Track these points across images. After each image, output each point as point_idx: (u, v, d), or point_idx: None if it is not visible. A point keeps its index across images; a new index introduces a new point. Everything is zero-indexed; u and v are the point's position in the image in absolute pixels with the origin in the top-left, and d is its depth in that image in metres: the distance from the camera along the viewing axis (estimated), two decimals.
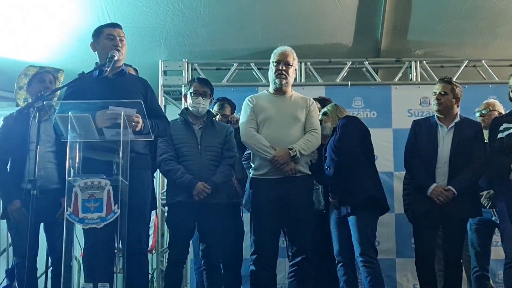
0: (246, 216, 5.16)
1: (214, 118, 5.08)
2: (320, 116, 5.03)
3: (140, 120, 3.85)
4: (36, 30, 6.48)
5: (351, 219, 4.74)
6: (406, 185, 5.46)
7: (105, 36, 4.20)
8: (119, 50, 4.14)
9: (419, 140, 4.93)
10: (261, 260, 4.65)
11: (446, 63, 7.09)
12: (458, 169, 4.78)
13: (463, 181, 4.74)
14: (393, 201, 6.06)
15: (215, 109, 5.65)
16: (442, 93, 4.92)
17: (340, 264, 4.85)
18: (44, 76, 4.78)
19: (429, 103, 6.45)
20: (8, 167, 4.71)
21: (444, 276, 4.93)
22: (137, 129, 3.85)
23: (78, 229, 3.86)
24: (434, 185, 4.75)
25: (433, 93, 4.99)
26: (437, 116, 4.97)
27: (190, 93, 4.92)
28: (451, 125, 4.90)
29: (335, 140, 4.85)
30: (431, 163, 4.83)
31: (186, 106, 5.08)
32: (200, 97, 4.87)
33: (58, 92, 4.53)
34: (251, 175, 4.81)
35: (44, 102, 3.85)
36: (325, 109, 5.08)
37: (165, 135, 4.43)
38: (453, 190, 4.71)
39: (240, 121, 4.87)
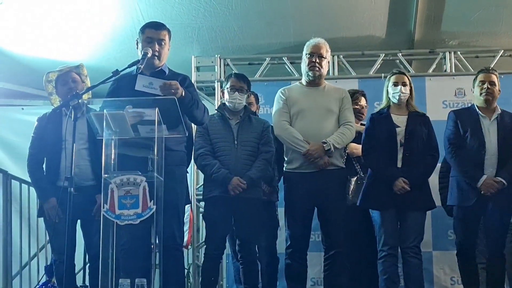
0: (281, 211, 5.15)
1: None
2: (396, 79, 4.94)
3: (178, 85, 3.95)
4: (69, 29, 6.54)
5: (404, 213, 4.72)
6: (442, 179, 5.40)
7: (144, 38, 4.25)
8: (155, 54, 4.19)
9: (463, 131, 4.86)
10: (296, 254, 4.66)
11: (481, 53, 6.97)
12: (506, 161, 4.75)
13: (511, 172, 4.72)
14: None
15: None
16: (492, 82, 4.88)
17: (383, 254, 4.72)
18: (66, 77, 4.80)
19: (464, 94, 6.39)
20: (43, 166, 4.78)
21: (487, 268, 4.88)
22: (177, 95, 3.91)
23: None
24: (484, 176, 4.71)
25: (480, 83, 4.92)
26: (477, 107, 4.92)
27: (227, 88, 4.92)
28: (494, 117, 4.86)
29: (425, 135, 4.81)
30: (480, 155, 4.77)
31: (223, 101, 5.10)
32: (236, 92, 4.86)
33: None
34: (284, 169, 4.81)
35: (79, 100, 3.90)
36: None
37: (203, 118, 4.33)
38: (504, 181, 4.68)
39: (273, 114, 4.87)
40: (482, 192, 4.69)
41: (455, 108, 5.76)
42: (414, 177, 4.68)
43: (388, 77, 4.98)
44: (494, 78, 4.92)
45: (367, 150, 4.87)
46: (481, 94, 4.89)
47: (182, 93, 3.99)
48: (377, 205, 4.77)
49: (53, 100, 4.93)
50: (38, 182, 4.78)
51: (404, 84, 4.86)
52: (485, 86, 4.88)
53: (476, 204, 4.73)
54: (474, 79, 5.03)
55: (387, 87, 4.93)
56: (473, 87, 5.02)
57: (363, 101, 5.53)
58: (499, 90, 4.93)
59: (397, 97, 4.84)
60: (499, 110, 4.91)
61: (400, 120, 4.82)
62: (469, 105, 5.09)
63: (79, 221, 4.68)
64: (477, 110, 4.91)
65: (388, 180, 4.69)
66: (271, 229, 5.31)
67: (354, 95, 5.39)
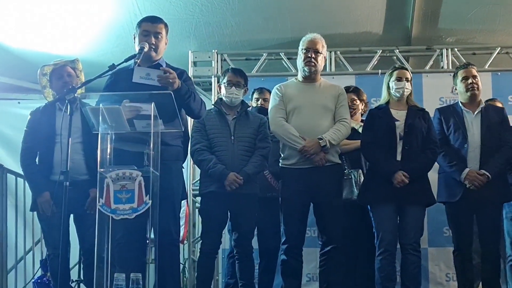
0: None
1: (248, 109, 5.06)
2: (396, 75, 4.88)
3: (175, 75, 3.95)
4: (67, 23, 6.52)
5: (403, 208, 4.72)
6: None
7: (141, 32, 4.25)
8: (151, 46, 4.18)
9: (447, 127, 4.90)
10: (292, 249, 4.66)
11: (478, 50, 6.99)
12: (489, 154, 4.77)
13: (496, 165, 4.74)
14: None
15: (255, 96, 5.68)
16: (474, 76, 4.90)
17: (381, 250, 4.69)
18: (61, 71, 4.80)
19: None
20: (36, 160, 4.76)
21: (482, 265, 4.89)
22: (175, 85, 3.92)
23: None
24: (467, 169, 4.73)
25: (463, 79, 4.94)
26: (462, 103, 4.95)
27: (224, 83, 4.93)
28: (477, 110, 4.89)
29: (425, 129, 4.77)
30: (462, 149, 4.80)
31: (220, 97, 5.09)
32: (233, 87, 4.87)
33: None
34: (280, 165, 4.80)
35: (75, 94, 3.90)
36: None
37: (200, 111, 4.30)
38: (488, 174, 4.69)
39: (269, 110, 4.86)
40: (467, 185, 4.71)
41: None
42: (414, 170, 4.65)
43: (389, 72, 4.93)
44: (475, 71, 4.96)
45: (366, 144, 4.86)
46: (467, 90, 4.92)
47: (179, 84, 3.99)
48: (376, 200, 4.76)
49: (46, 93, 4.92)
50: (32, 176, 4.77)
51: (407, 80, 4.85)
52: (469, 81, 4.91)
53: (464, 200, 4.75)
54: (454, 76, 5.06)
55: (389, 82, 4.90)
56: (455, 85, 5.06)
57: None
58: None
59: (401, 92, 4.80)
60: (483, 103, 4.95)
61: (399, 114, 4.80)
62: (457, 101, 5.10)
63: (72, 215, 4.66)
64: (461, 106, 4.94)
65: (387, 174, 4.68)
66: (275, 229, 5.13)
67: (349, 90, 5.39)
